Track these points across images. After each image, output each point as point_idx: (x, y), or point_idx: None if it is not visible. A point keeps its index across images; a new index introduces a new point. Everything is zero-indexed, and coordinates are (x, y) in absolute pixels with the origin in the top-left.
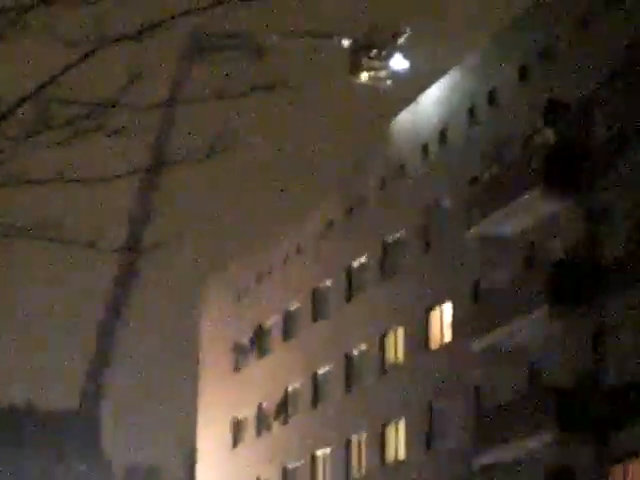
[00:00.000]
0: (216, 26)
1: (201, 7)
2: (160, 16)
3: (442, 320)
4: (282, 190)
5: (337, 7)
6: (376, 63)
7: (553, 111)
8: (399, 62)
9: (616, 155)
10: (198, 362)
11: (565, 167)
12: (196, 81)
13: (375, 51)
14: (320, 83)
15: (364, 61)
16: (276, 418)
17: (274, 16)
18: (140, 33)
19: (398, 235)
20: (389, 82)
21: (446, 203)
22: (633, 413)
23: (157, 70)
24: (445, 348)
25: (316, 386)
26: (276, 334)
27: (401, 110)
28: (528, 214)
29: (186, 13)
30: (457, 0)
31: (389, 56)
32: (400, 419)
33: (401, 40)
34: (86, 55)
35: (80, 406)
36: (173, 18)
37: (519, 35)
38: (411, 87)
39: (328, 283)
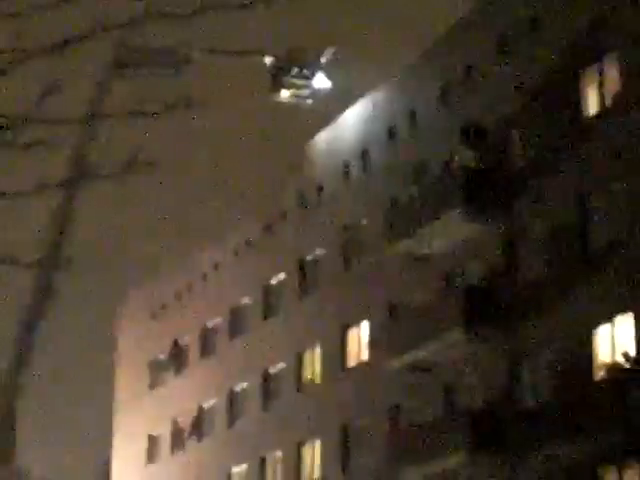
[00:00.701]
0: (138, 41)
1: (123, 21)
2: (82, 30)
3: (359, 339)
4: (202, 206)
5: (260, 25)
6: (298, 82)
7: (473, 133)
8: (321, 81)
9: (534, 178)
10: (115, 378)
11: (484, 189)
12: (116, 96)
13: (297, 69)
14: (241, 100)
15: (286, 79)
16: (191, 435)
17: (196, 32)
18: (61, 46)
19: (317, 253)
20: (310, 101)
21: (365, 222)
22: (549, 434)
23: (77, 84)
24: (362, 367)
25: (232, 403)
26: (193, 351)
27: (322, 129)
28: (447, 235)
29: (108, 27)
30: (381, 21)
31: (311, 75)
32: (316, 437)
33: (324, 59)
34: (3, 70)
35: None
36: (95, 32)
37: (440, 56)
38: (333, 106)
39: (246, 300)
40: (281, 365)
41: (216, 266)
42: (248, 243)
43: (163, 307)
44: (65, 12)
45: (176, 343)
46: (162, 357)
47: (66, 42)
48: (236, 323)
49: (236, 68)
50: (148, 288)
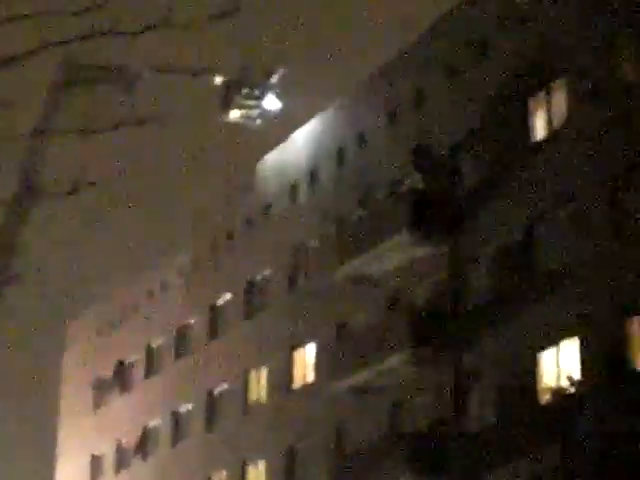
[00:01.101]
0: (89, 58)
1: (74, 38)
2: (31, 45)
3: (306, 360)
4: (150, 224)
5: (212, 44)
6: (248, 102)
7: (421, 156)
8: (272, 102)
9: (482, 201)
10: (60, 397)
11: (432, 212)
12: (66, 113)
13: (247, 90)
14: (191, 119)
15: (236, 99)
16: (136, 455)
17: (148, 50)
18: (8, 63)
19: (264, 274)
20: (259, 121)
21: (313, 243)
22: (493, 457)
23: (26, 101)
24: (308, 388)
25: (177, 424)
26: (138, 370)
27: (271, 149)
28: (395, 257)
29: (58, 43)
30: (333, 42)
31: (262, 95)
32: (261, 458)
33: (274, 80)
34: None
35: None
36: (43, 48)
37: (390, 80)
38: (283, 127)
39: (192, 320)
40: (226, 386)
41: (163, 285)
42: (195, 262)
43: (109, 325)
44: (12, 28)
45: (121, 362)
46: (107, 376)
47: (12, 59)
48: (182, 343)
49: (186, 87)
50: (95, 306)
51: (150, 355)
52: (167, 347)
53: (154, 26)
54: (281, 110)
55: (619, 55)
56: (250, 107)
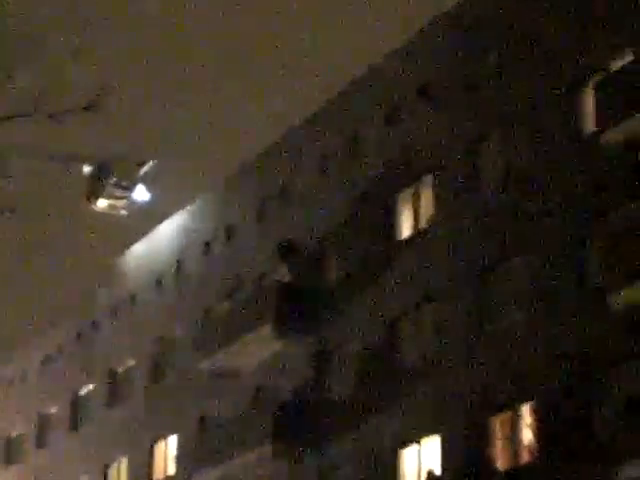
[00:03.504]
0: None
1: None
2: None
3: (167, 452)
4: (10, 311)
5: (82, 132)
6: (116, 192)
7: (288, 250)
8: (140, 193)
9: (347, 297)
10: None
11: (297, 305)
12: None
13: (116, 179)
14: (59, 208)
15: (103, 189)
16: None
17: (14, 135)
18: None
19: (128, 364)
20: (125, 212)
21: (178, 334)
22: None
23: None
24: None
25: None
26: None
27: (138, 239)
28: (259, 351)
29: None
30: (201, 135)
31: (131, 186)
32: None
33: (144, 170)
34: None
35: None
36: None
37: (259, 173)
38: (152, 218)
39: (53, 410)
40: (86, 478)
41: (23, 374)
42: (58, 351)
43: None
44: None
45: None
46: None
47: None
48: (43, 433)
49: (53, 175)
50: None
51: (9, 445)
52: (28, 437)
53: (23, 115)
54: (150, 201)
55: (486, 154)
56: (118, 197)
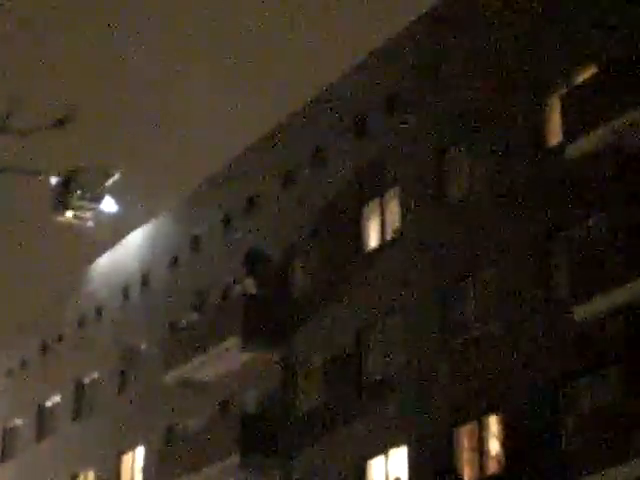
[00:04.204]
0: None
1: None
2: None
3: (134, 464)
4: None
5: (48, 143)
6: (82, 203)
7: (254, 261)
8: (107, 204)
9: (314, 307)
10: None
11: (263, 317)
12: None
13: (82, 191)
14: (23, 219)
15: (70, 200)
16: None
17: None
18: None
19: (94, 376)
20: (92, 223)
21: (144, 346)
22: None
23: None
24: None
25: None
26: None
27: (104, 251)
28: (225, 362)
29: None
30: (168, 149)
31: (98, 197)
32: None
33: (110, 182)
34: None
35: None
36: None
37: (225, 183)
38: (117, 230)
39: (18, 422)
40: None
41: None
42: (23, 363)
43: None
44: None
45: None
46: None
47: None
48: (8, 445)
49: (20, 187)
50: None
51: None
52: None
53: None
54: (116, 214)
55: (450, 167)
56: (84, 208)
